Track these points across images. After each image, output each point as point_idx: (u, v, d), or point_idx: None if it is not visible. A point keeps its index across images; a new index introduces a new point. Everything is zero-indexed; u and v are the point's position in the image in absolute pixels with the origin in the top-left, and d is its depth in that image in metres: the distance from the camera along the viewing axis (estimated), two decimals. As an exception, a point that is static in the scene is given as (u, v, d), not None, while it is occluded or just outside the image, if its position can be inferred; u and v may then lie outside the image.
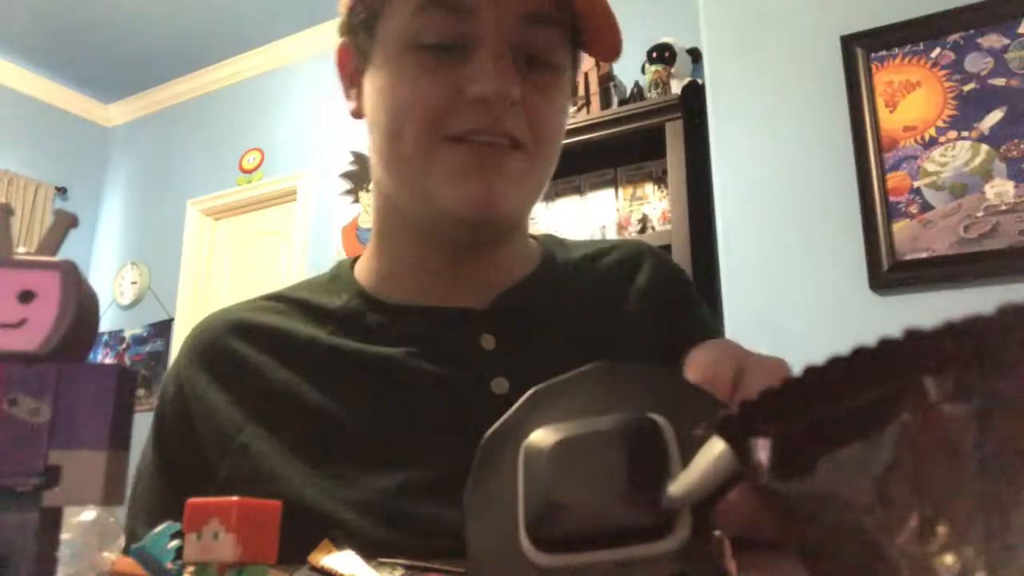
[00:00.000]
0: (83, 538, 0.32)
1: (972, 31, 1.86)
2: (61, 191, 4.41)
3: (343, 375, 0.58)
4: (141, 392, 3.96)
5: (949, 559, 0.15)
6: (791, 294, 1.91)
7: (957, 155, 1.82)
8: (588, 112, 2.50)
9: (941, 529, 0.16)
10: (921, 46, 1.91)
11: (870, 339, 0.18)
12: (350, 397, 0.57)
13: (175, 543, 0.29)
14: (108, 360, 4.13)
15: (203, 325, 0.64)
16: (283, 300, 0.65)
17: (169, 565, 0.29)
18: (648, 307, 0.66)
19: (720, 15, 2.19)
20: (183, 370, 0.61)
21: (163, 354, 4.06)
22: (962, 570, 0.15)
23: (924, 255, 1.80)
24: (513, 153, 0.57)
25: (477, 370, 0.58)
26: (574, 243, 0.73)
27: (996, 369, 0.16)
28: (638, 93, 2.56)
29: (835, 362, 0.17)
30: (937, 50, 1.90)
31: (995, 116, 1.80)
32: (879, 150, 1.90)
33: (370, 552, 0.46)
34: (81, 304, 0.25)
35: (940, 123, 1.86)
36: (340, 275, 0.67)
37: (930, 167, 1.84)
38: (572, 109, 2.44)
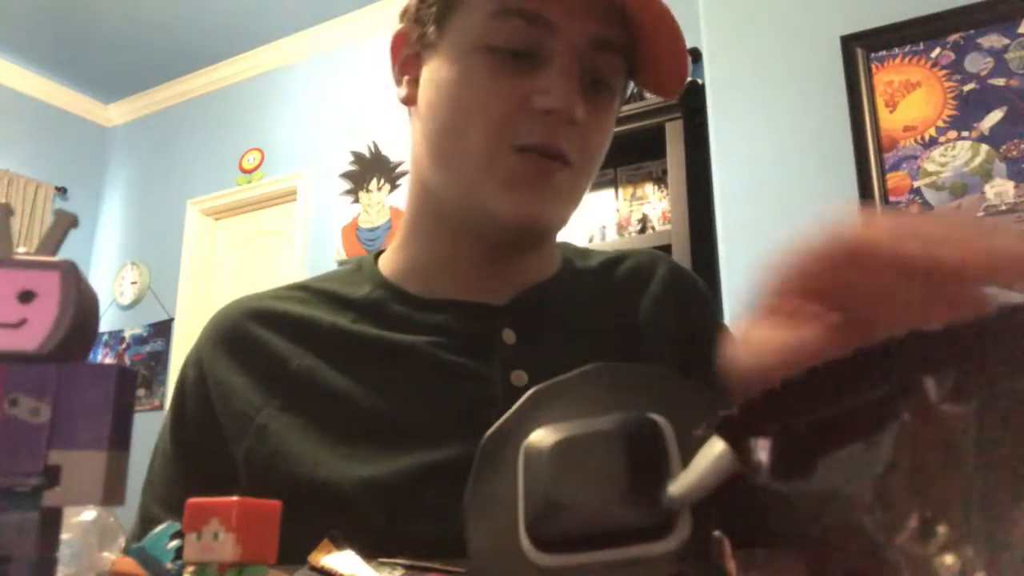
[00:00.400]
0: (83, 538, 0.32)
1: (972, 31, 1.86)
2: (61, 191, 4.41)
3: (364, 361, 0.60)
4: (141, 392, 3.97)
5: (949, 559, 0.15)
6: (791, 294, 1.90)
7: (957, 155, 1.82)
8: (588, 112, 2.50)
9: (941, 529, 0.16)
10: (921, 46, 1.91)
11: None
12: (370, 382, 0.58)
13: (175, 543, 0.29)
14: (108, 360, 4.14)
15: (224, 311, 0.65)
16: (306, 290, 0.66)
17: (169, 565, 0.29)
18: (661, 313, 0.68)
19: (720, 15, 2.19)
20: (204, 354, 0.62)
21: (163, 354, 4.06)
22: (962, 570, 0.15)
23: (924, 255, 1.80)
24: (564, 170, 0.58)
25: (498, 362, 0.60)
26: (592, 252, 0.75)
27: (996, 369, 0.16)
28: (638, 93, 2.56)
29: (835, 362, 0.17)
30: (937, 50, 1.90)
31: (995, 116, 1.80)
32: (879, 150, 1.90)
33: (376, 537, 0.47)
34: (81, 304, 0.25)
35: (940, 123, 1.86)
36: (363, 267, 0.68)
37: (930, 167, 1.84)
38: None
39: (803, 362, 0.18)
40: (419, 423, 0.57)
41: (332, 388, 0.58)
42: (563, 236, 0.74)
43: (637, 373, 0.25)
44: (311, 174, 3.85)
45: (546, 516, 0.22)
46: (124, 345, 4.23)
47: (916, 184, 1.85)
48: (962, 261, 0.22)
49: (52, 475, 0.24)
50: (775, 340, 0.26)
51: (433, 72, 0.61)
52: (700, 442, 0.20)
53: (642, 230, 2.54)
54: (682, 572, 0.20)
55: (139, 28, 3.96)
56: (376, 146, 3.60)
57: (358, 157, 3.66)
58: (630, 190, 2.64)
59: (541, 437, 0.23)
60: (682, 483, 0.20)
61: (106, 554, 0.33)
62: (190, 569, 0.26)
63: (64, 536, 0.25)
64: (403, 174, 3.47)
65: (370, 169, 3.62)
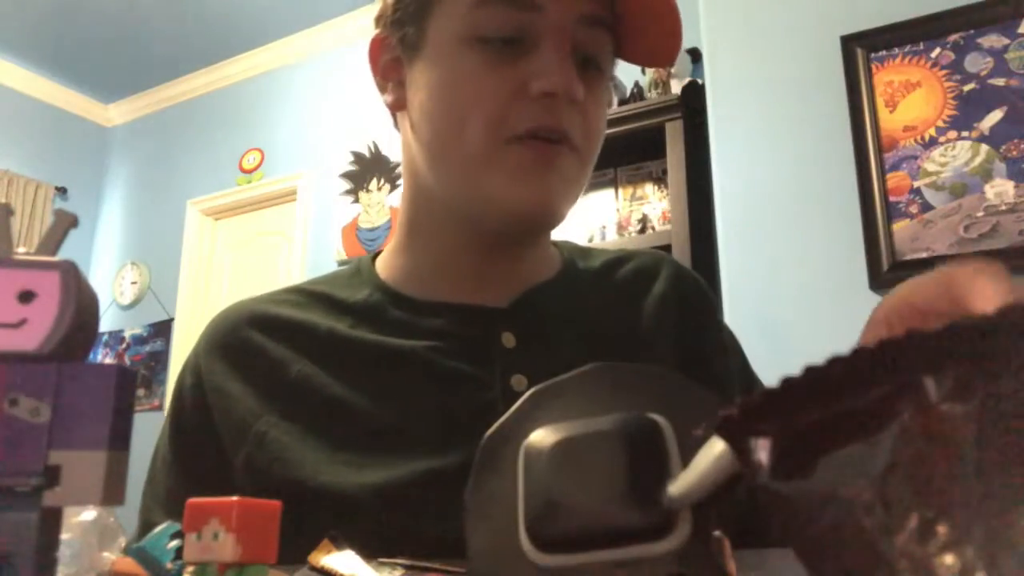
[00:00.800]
0: (83, 538, 0.32)
1: (972, 31, 1.86)
2: (61, 191, 4.41)
3: (362, 367, 0.59)
4: (141, 392, 3.97)
5: (949, 559, 0.15)
6: (791, 294, 1.91)
7: (957, 155, 1.82)
8: (588, 112, 2.50)
9: (941, 529, 0.16)
10: (921, 46, 1.91)
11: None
12: (369, 388, 0.58)
13: (175, 543, 0.29)
14: (108, 360, 4.13)
15: (221, 316, 0.64)
16: (303, 293, 0.65)
17: (169, 565, 0.29)
18: (664, 314, 0.67)
19: (720, 15, 2.19)
20: (202, 360, 0.62)
21: (163, 354, 4.06)
22: (962, 570, 0.15)
23: (924, 255, 1.80)
24: (569, 154, 0.57)
25: (498, 367, 0.59)
26: (594, 251, 0.74)
27: (996, 369, 0.16)
28: (638, 93, 2.56)
29: (835, 362, 0.17)
30: (937, 50, 1.90)
31: (995, 116, 1.80)
32: (879, 150, 1.90)
33: (378, 542, 0.46)
34: (81, 304, 0.25)
35: (940, 123, 1.86)
36: (361, 270, 0.67)
37: (930, 167, 1.84)
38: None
39: None
40: (419, 429, 0.56)
41: (331, 394, 0.58)
42: (563, 236, 0.74)
43: (637, 373, 0.25)
44: (311, 174, 3.85)
45: (546, 516, 0.22)
46: (124, 345, 4.23)
47: (916, 184, 1.85)
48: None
49: (52, 475, 0.24)
50: None
51: (420, 73, 0.60)
52: (700, 442, 0.20)
53: (642, 230, 2.54)
54: (682, 572, 0.20)
55: (139, 28, 3.96)
56: (376, 146, 3.60)
57: (358, 157, 3.66)
58: (630, 190, 2.64)
59: (541, 437, 0.23)
60: (682, 483, 0.20)
61: (106, 554, 0.33)
62: (190, 569, 0.26)
63: (64, 536, 0.25)
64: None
65: (370, 169, 3.62)
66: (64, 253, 0.26)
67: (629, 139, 2.45)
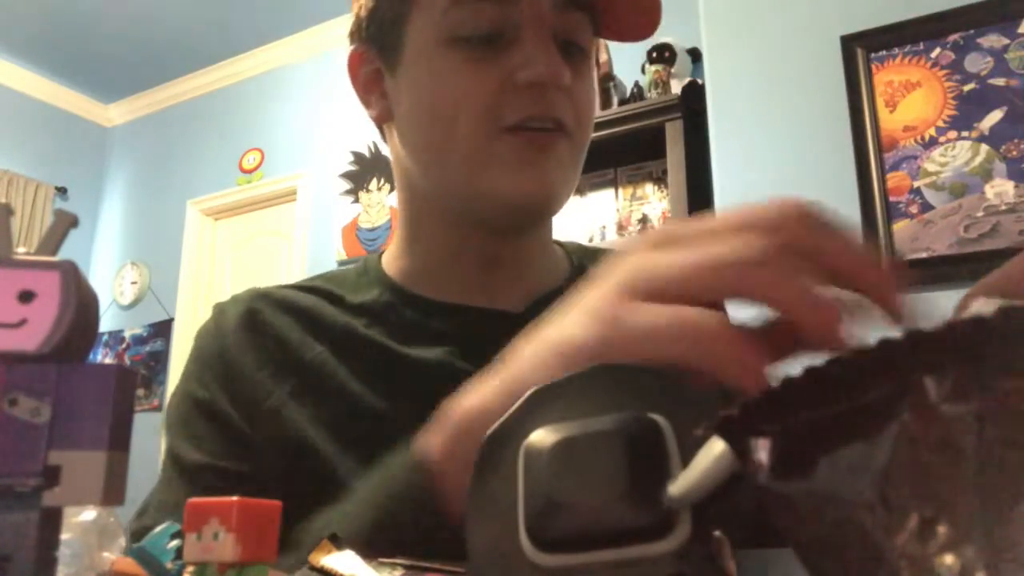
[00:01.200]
0: (83, 538, 0.32)
1: (972, 31, 1.86)
2: (61, 191, 4.41)
3: (376, 367, 0.59)
4: (141, 392, 3.97)
5: (949, 559, 0.15)
6: (791, 294, 1.91)
7: (957, 155, 1.82)
8: (588, 112, 2.50)
9: (941, 529, 0.16)
10: (921, 46, 1.91)
11: (870, 339, 0.18)
12: (381, 388, 0.58)
13: (175, 543, 0.29)
14: (108, 360, 4.14)
15: (239, 294, 0.64)
16: (314, 292, 0.65)
17: (169, 565, 0.29)
18: None
19: (720, 15, 2.19)
20: (223, 327, 0.61)
21: (163, 354, 4.06)
22: (962, 570, 0.15)
23: (924, 255, 1.80)
24: (563, 140, 0.57)
25: None
26: (601, 251, 0.73)
27: (996, 369, 0.16)
28: (638, 93, 2.56)
29: (835, 362, 0.17)
30: (937, 50, 1.90)
31: (995, 116, 1.80)
32: (879, 150, 1.90)
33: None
34: (81, 304, 0.25)
35: (940, 123, 1.86)
36: (368, 269, 0.67)
37: (930, 167, 1.84)
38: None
39: None
40: None
41: (346, 387, 0.58)
42: (563, 236, 0.74)
43: (637, 373, 0.25)
44: (311, 174, 3.85)
45: (546, 516, 0.22)
46: (124, 345, 4.23)
47: (916, 184, 1.85)
48: None
49: (52, 475, 0.24)
50: None
51: (403, 81, 0.59)
52: (700, 442, 0.20)
53: (642, 230, 2.54)
54: (682, 572, 0.20)
55: (139, 28, 3.96)
56: (376, 146, 3.60)
57: (358, 157, 3.66)
58: (630, 190, 2.65)
59: (541, 437, 0.23)
60: (682, 483, 0.20)
61: (106, 554, 0.33)
62: (190, 569, 0.26)
63: (64, 536, 0.25)
64: (403, 174, 3.48)
65: (370, 169, 3.62)
66: (64, 253, 0.26)
67: (629, 139, 2.45)
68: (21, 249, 0.25)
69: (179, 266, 4.15)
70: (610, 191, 2.66)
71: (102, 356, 4.24)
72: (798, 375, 0.18)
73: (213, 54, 4.22)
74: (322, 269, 3.30)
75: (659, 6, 0.58)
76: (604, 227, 2.63)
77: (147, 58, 4.24)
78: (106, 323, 4.28)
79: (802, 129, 2.00)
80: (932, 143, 1.85)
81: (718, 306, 0.31)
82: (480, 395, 0.39)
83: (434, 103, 0.57)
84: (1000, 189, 1.76)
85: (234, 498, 0.26)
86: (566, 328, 0.35)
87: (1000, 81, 1.82)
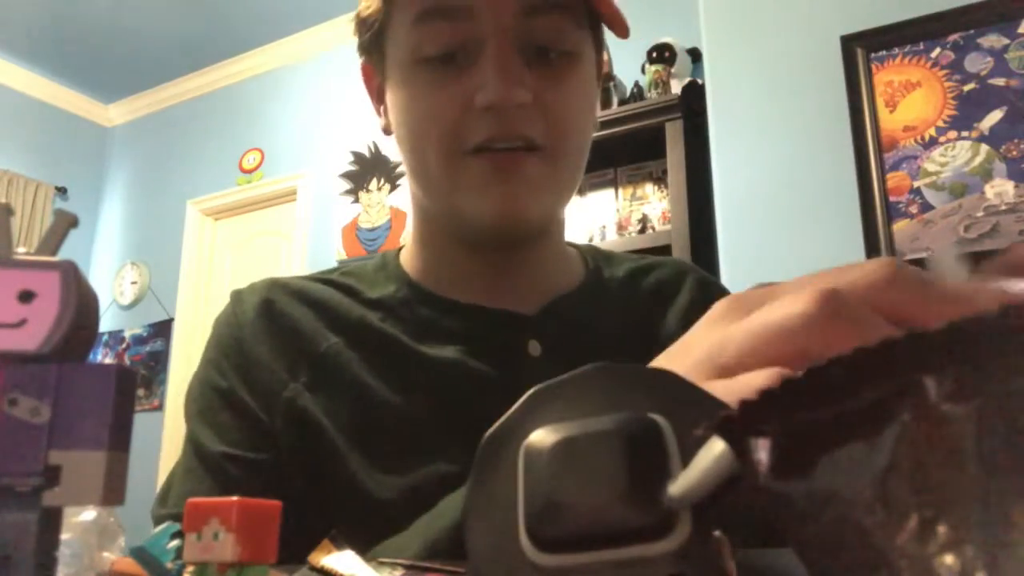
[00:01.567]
0: (83, 538, 0.32)
1: (972, 31, 1.86)
2: (61, 191, 4.41)
3: (390, 361, 0.59)
4: (141, 392, 3.97)
5: (949, 559, 0.15)
6: (791, 294, 1.91)
7: (957, 155, 1.82)
8: (588, 112, 2.50)
9: (941, 529, 0.16)
10: (921, 46, 1.91)
11: (870, 339, 0.18)
12: (395, 382, 0.58)
13: (175, 543, 0.29)
14: (108, 360, 4.14)
15: (255, 285, 0.65)
16: (331, 284, 0.65)
17: (169, 565, 0.29)
18: (687, 327, 0.66)
19: (720, 15, 2.19)
20: (240, 316, 0.62)
21: (163, 354, 4.06)
22: (962, 570, 0.15)
23: (924, 255, 1.80)
24: (531, 157, 0.55)
25: (522, 375, 0.58)
26: (617, 257, 0.73)
27: (996, 369, 0.16)
28: (638, 93, 2.56)
29: (835, 362, 0.17)
30: (937, 50, 1.90)
31: (995, 116, 1.80)
32: (879, 150, 1.90)
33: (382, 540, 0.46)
34: (81, 304, 0.25)
35: (940, 123, 1.86)
36: (387, 265, 0.67)
37: (930, 167, 1.84)
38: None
39: None
40: (441, 431, 0.56)
41: (357, 379, 0.58)
42: (565, 236, 0.74)
43: (637, 373, 0.25)
44: (311, 174, 3.85)
45: (546, 516, 0.22)
46: (124, 345, 4.23)
47: (916, 184, 1.85)
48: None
49: (52, 475, 0.24)
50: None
51: (390, 96, 0.60)
52: (700, 442, 0.20)
53: (642, 230, 2.54)
54: (682, 572, 0.20)
55: (139, 28, 3.96)
56: (376, 146, 3.60)
57: (358, 157, 3.66)
58: (630, 190, 2.64)
59: (541, 437, 0.23)
60: (682, 483, 0.20)
61: (106, 554, 0.33)
62: (190, 569, 0.26)
63: (64, 536, 0.25)
64: (403, 174, 3.47)
65: (370, 169, 3.62)
66: (64, 253, 0.26)
67: (629, 139, 2.45)
68: (21, 249, 0.25)
69: (179, 266, 4.15)
70: (610, 191, 2.66)
71: (102, 356, 4.24)
72: (798, 375, 0.18)
73: (213, 54, 4.22)
74: (322, 269, 3.29)
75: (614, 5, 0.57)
76: (604, 227, 2.63)
77: (147, 58, 4.24)
78: (106, 323, 4.28)
79: (802, 129, 2.00)
80: (932, 143, 1.85)
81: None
82: None
83: (406, 124, 0.58)
84: (1000, 189, 1.76)
85: (234, 498, 0.26)
86: None
87: (1000, 81, 1.82)
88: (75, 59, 4.24)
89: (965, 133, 1.82)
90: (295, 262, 3.77)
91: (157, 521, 0.57)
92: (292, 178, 3.92)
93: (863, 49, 1.97)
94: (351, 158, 3.67)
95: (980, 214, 1.77)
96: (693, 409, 0.22)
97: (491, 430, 0.26)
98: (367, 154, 3.64)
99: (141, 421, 3.71)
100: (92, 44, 4.11)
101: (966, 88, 1.85)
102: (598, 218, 2.64)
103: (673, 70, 2.52)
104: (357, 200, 3.62)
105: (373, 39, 0.60)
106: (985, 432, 0.16)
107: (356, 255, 3.53)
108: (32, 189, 4.22)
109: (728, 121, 2.11)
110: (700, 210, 2.25)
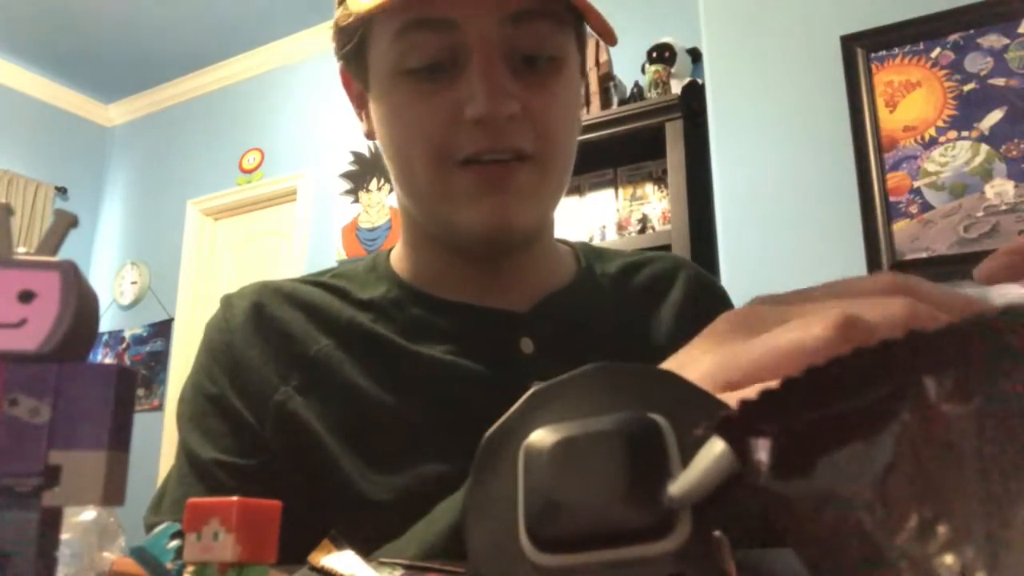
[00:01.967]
0: (83, 538, 0.32)
1: (972, 31, 1.86)
2: (61, 191, 4.41)
3: (382, 361, 0.59)
4: (141, 392, 3.97)
5: (949, 559, 0.15)
6: (791, 294, 1.91)
7: (957, 155, 1.82)
8: (588, 112, 2.50)
9: (941, 529, 0.16)
10: (921, 46, 1.91)
11: (870, 339, 0.18)
12: (387, 383, 0.58)
13: (175, 543, 0.29)
14: (108, 360, 4.13)
15: (246, 287, 0.65)
16: (321, 286, 0.65)
17: (169, 565, 0.29)
18: (681, 322, 0.66)
19: (720, 15, 2.19)
20: (231, 322, 0.62)
21: (163, 354, 4.06)
22: (962, 570, 0.15)
23: (924, 255, 1.80)
24: (522, 167, 0.55)
25: (515, 373, 0.58)
26: (610, 253, 0.73)
27: (996, 369, 0.16)
28: (638, 93, 2.56)
29: (835, 362, 0.17)
30: (937, 50, 1.90)
31: (995, 116, 1.80)
32: (879, 150, 1.90)
33: (388, 540, 0.46)
34: (81, 304, 0.25)
35: (940, 123, 1.86)
36: (377, 266, 0.67)
37: (930, 167, 1.84)
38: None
39: None
40: (435, 430, 0.56)
41: (349, 381, 0.58)
42: (563, 237, 0.74)
43: (637, 373, 0.25)
44: (311, 174, 3.85)
45: (546, 516, 0.21)
46: (124, 345, 4.23)
47: (916, 184, 1.85)
48: None
49: (52, 475, 0.24)
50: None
51: (373, 107, 0.60)
52: (700, 442, 0.20)
53: (642, 230, 2.54)
54: (682, 572, 0.20)
55: (139, 28, 3.96)
56: (376, 146, 3.60)
57: (358, 157, 3.66)
58: (630, 190, 2.64)
59: (541, 437, 0.23)
60: (682, 483, 0.20)
61: (106, 554, 0.33)
62: (190, 569, 0.26)
63: (64, 536, 0.25)
64: (403, 174, 3.48)
65: (370, 169, 3.62)
66: (64, 253, 0.26)
67: (629, 139, 2.45)
68: (21, 249, 0.25)
69: (179, 266, 4.15)
70: (610, 191, 2.66)
71: (102, 356, 4.24)
72: (798, 375, 0.18)
73: (213, 54, 4.22)
74: (322, 269, 3.29)
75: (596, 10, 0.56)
76: (604, 227, 2.63)
77: (147, 58, 4.24)
78: (106, 323, 4.28)
79: (802, 129, 2.00)
80: (932, 143, 1.85)
81: None
82: None
83: (392, 137, 0.58)
84: (1000, 189, 1.76)
85: (234, 498, 0.26)
86: None
87: (1000, 81, 1.82)
88: (75, 59, 4.24)
89: (965, 133, 1.82)
90: (295, 262, 3.77)
91: (149, 529, 0.57)
92: (292, 178, 3.92)
93: (863, 49, 1.97)
94: (351, 158, 3.67)
95: (980, 214, 1.77)
96: (693, 409, 0.22)
97: (491, 430, 0.26)
98: (367, 154, 3.64)
99: (141, 421, 3.71)
100: (92, 44, 4.10)
101: (966, 88, 1.85)
102: (598, 218, 2.64)
103: (673, 70, 2.52)
104: (357, 200, 3.62)
105: (353, 49, 0.60)
106: (985, 432, 0.16)
107: (356, 255, 3.52)
108: (32, 189, 4.22)
109: (728, 121, 2.11)
110: (700, 210, 2.25)
